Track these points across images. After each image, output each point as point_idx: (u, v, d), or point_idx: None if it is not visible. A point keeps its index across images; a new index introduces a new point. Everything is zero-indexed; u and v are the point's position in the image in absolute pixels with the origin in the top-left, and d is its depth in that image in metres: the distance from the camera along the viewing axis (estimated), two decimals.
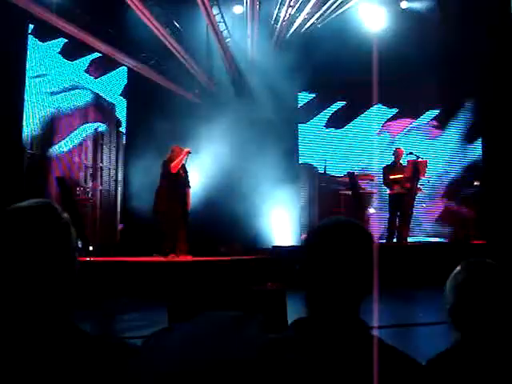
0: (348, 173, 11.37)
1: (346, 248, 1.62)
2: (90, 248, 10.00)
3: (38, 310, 1.48)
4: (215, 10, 11.58)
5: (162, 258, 9.57)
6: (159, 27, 11.18)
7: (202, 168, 11.56)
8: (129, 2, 10.28)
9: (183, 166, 10.00)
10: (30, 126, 10.50)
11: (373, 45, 12.10)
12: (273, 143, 11.72)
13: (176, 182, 9.86)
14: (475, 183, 13.27)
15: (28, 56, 10.22)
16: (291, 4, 11.64)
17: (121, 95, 13.29)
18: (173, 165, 9.76)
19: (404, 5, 12.98)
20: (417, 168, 10.56)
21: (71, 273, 1.55)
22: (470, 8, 11.87)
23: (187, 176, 10.14)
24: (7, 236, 1.48)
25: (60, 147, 11.16)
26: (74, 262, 1.57)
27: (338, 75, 12.64)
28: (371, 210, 12.64)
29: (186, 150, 9.88)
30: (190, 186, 10.20)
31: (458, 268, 1.92)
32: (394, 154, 11.29)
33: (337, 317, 1.60)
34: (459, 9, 12.12)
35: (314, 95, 13.74)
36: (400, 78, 12.72)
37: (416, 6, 12.97)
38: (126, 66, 12.46)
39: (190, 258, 9.76)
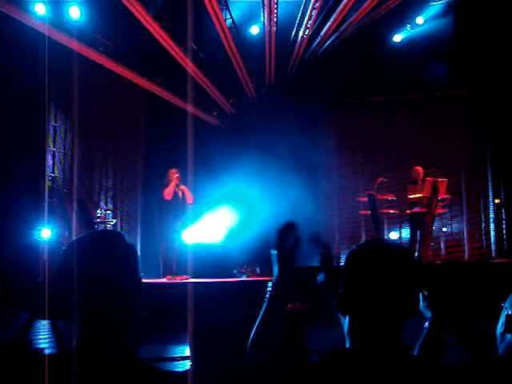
0: (367, 193, 11.30)
1: (390, 270, 1.61)
2: None
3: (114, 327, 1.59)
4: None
5: (165, 280, 9.67)
6: (177, 49, 11.28)
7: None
8: (146, 24, 10.38)
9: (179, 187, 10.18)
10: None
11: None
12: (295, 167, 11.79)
13: (172, 206, 10.07)
14: (496, 201, 13.14)
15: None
16: (308, 26, 11.70)
17: None
18: (165, 192, 10.05)
19: (420, 21, 13.00)
20: (436, 187, 10.50)
21: (139, 292, 1.62)
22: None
23: (184, 195, 10.23)
24: (93, 254, 1.60)
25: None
26: (141, 282, 1.68)
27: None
28: (393, 235, 12.57)
29: (175, 175, 10.08)
30: (191, 200, 10.30)
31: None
32: (412, 172, 11.21)
33: (382, 341, 1.59)
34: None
35: None
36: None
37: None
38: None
39: (187, 278, 9.79)
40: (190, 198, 10.26)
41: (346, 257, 1.73)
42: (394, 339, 1.61)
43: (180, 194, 10.15)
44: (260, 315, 1.81)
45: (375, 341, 1.59)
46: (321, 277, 1.91)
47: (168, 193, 10.01)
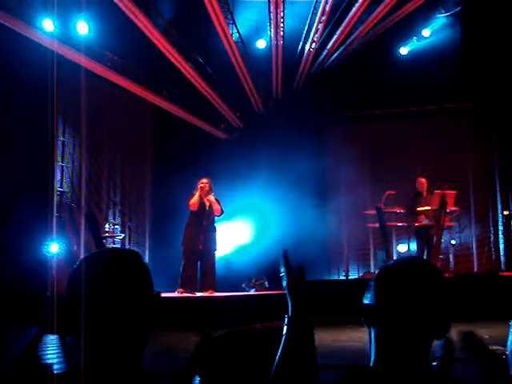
0: (375, 206, 11.27)
1: (422, 289, 1.60)
2: None
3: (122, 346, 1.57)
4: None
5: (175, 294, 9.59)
6: (184, 63, 11.33)
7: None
8: (153, 39, 10.44)
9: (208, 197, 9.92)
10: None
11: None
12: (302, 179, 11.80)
13: (197, 217, 9.82)
14: (505, 213, 13.09)
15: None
16: (315, 39, 11.74)
17: None
18: (190, 203, 9.81)
19: (426, 33, 13.02)
20: (444, 200, 10.47)
21: (150, 311, 1.62)
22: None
23: (211, 207, 9.89)
24: (103, 272, 1.58)
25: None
26: (153, 300, 1.65)
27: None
28: (401, 248, 12.51)
29: (200, 185, 9.83)
30: (222, 211, 9.96)
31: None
32: (417, 184, 11.21)
33: (410, 359, 1.57)
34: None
35: None
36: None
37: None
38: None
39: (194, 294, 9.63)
40: (217, 209, 9.86)
41: (379, 271, 1.71)
42: (421, 358, 1.59)
43: (207, 204, 9.85)
44: (280, 349, 1.76)
45: (402, 359, 1.57)
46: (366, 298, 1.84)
47: (192, 203, 9.75)
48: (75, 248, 9.63)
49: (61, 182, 10.82)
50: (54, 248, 9.22)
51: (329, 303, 9.24)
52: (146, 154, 13.17)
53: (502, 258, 12.83)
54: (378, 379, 1.55)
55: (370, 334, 1.69)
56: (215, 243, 10.06)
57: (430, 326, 1.60)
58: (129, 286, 1.57)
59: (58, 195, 10.59)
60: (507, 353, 1.99)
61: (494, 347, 5.60)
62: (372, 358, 1.63)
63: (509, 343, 1.97)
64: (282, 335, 1.77)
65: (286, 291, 1.82)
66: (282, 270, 1.84)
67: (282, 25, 11.08)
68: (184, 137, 12.53)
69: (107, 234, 10.88)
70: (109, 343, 1.55)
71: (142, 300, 1.59)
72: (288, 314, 1.79)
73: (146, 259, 12.61)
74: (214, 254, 10.10)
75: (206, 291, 9.66)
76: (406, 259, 1.73)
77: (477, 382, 1.83)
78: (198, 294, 9.58)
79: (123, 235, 11.58)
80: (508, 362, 1.96)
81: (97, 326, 1.54)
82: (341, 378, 1.58)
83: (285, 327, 1.78)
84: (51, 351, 6.31)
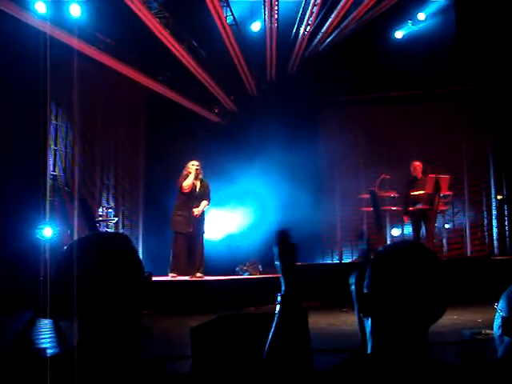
0: (369, 190, 11.26)
1: (419, 273, 1.58)
2: None
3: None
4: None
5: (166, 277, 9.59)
6: (178, 46, 11.26)
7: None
8: (146, 22, 10.35)
9: (201, 180, 9.95)
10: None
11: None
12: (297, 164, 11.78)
13: (188, 199, 9.82)
14: (498, 197, 13.12)
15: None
16: (309, 22, 11.67)
17: None
18: (185, 184, 9.78)
19: (421, 17, 12.98)
20: (438, 184, 10.48)
21: (140, 291, 1.62)
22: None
23: (204, 190, 10.00)
24: (92, 256, 1.58)
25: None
26: (145, 281, 1.65)
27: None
28: (395, 232, 12.54)
29: (195, 167, 9.84)
30: (208, 199, 10.03)
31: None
32: (411, 168, 11.21)
33: (407, 346, 1.55)
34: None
35: None
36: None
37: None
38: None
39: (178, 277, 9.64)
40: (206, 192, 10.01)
41: (374, 257, 1.68)
42: (420, 343, 1.57)
43: (197, 186, 9.89)
44: (273, 329, 1.75)
45: (401, 345, 1.55)
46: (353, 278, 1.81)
47: (187, 185, 9.74)
48: (68, 232, 9.60)
49: (54, 165, 10.77)
50: (47, 232, 9.18)
51: (323, 287, 9.23)
52: (139, 137, 13.11)
53: (496, 242, 12.89)
54: (377, 366, 1.54)
55: (361, 320, 1.67)
56: (203, 225, 10.10)
57: (428, 311, 1.58)
58: (116, 269, 1.56)
59: (51, 179, 10.54)
60: (495, 337, 1.98)
61: (488, 331, 5.60)
62: (369, 345, 1.62)
63: (495, 327, 1.97)
64: (275, 314, 1.76)
65: (278, 270, 1.82)
66: (275, 248, 1.84)
67: (276, 7, 10.99)
68: (178, 121, 12.47)
69: (100, 218, 10.86)
70: (98, 325, 1.54)
71: (130, 281, 1.58)
72: (281, 293, 1.78)
73: (140, 243, 12.63)
74: (203, 237, 10.12)
75: (196, 275, 9.68)
76: (400, 243, 1.70)
77: (469, 365, 1.83)
78: (189, 278, 9.58)
79: (116, 219, 11.55)
80: (496, 346, 1.96)
81: (85, 309, 1.53)
82: (338, 365, 1.56)
83: (277, 306, 1.77)
84: (45, 335, 6.32)
